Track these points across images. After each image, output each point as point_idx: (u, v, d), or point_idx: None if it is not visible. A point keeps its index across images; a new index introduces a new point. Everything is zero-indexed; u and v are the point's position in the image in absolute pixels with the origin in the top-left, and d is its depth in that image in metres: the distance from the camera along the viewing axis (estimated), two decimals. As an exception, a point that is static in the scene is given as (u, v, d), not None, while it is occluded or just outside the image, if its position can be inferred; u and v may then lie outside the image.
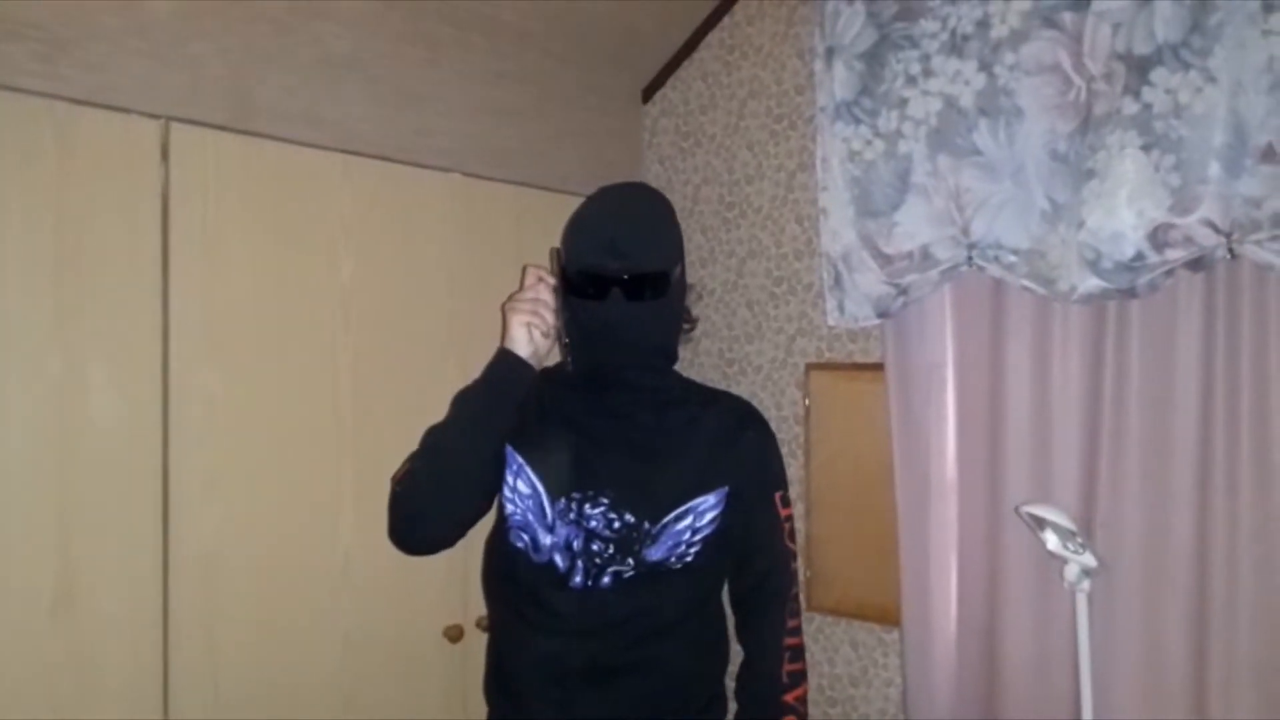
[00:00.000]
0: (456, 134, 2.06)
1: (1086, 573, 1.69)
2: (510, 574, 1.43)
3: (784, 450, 2.28)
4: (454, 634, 2.01)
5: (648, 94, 2.58)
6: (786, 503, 1.48)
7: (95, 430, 1.53)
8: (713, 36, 2.43)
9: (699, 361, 2.47)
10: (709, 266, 2.45)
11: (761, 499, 1.46)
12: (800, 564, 2.27)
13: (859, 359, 2.19)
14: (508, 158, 2.17)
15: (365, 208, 1.88)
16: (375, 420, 1.89)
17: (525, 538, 1.41)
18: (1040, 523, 1.70)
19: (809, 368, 2.26)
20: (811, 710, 2.26)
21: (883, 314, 2.02)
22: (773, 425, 2.30)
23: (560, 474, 1.40)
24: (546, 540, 1.38)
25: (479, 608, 2.05)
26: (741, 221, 2.39)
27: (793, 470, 2.30)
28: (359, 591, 1.87)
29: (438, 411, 2.04)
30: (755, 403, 2.34)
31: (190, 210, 1.63)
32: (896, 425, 2.05)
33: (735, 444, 1.45)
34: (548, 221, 2.23)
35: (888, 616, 2.11)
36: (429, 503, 1.40)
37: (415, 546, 1.47)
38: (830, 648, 2.25)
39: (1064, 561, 1.70)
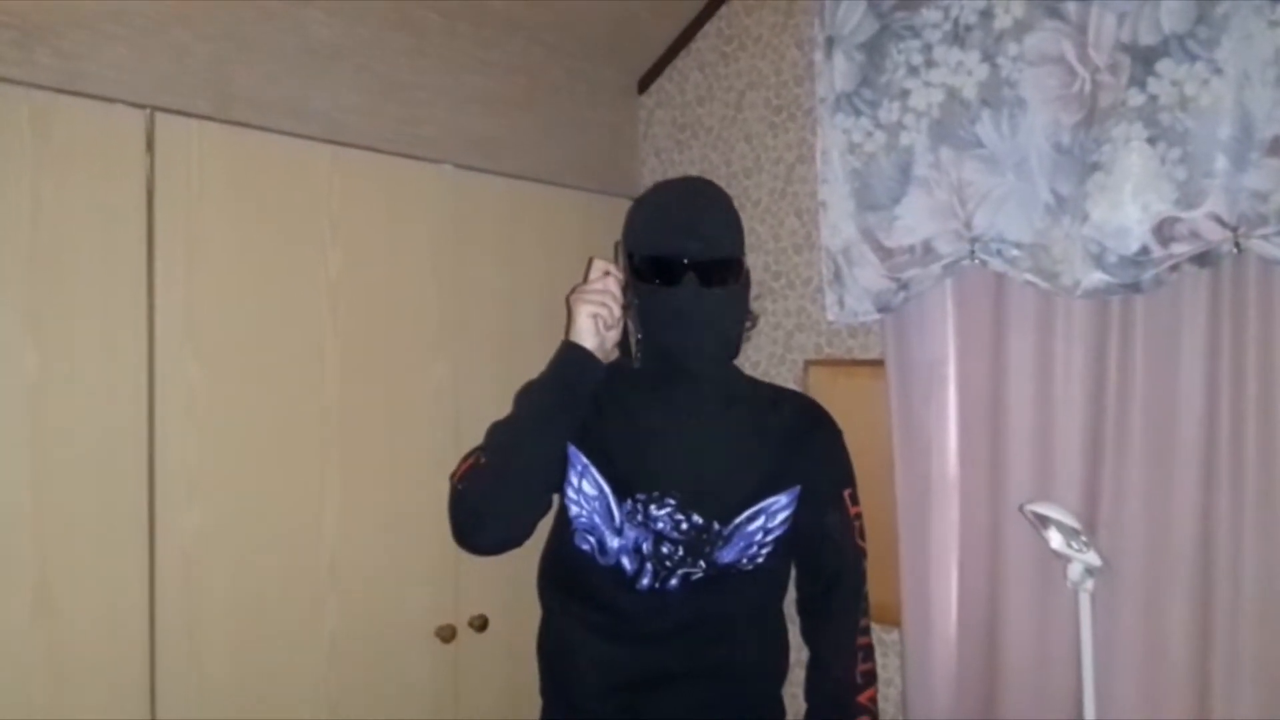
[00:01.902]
0: (443, 124, 2.03)
1: (1090, 572, 1.66)
2: (574, 578, 1.41)
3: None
4: (446, 634, 1.98)
5: (643, 85, 2.54)
6: (855, 500, 1.47)
7: (77, 427, 1.49)
8: (710, 26, 2.40)
9: (695, 357, 2.44)
10: (705, 260, 2.41)
11: (833, 498, 1.44)
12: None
13: (859, 355, 2.16)
14: (498, 149, 2.14)
15: (353, 199, 1.85)
16: (363, 415, 1.86)
17: (591, 540, 1.38)
18: (1044, 521, 1.68)
19: (808, 364, 2.23)
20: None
21: (883, 309, 1.99)
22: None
23: (626, 474, 1.37)
24: (614, 543, 1.35)
25: (472, 606, 2.02)
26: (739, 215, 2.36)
27: (790, 467, 2.27)
28: (346, 590, 1.83)
29: (426, 407, 2.01)
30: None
31: (175, 202, 1.59)
32: (897, 422, 2.03)
33: (807, 443, 1.44)
34: (540, 214, 2.21)
35: (887, 616, 2.08)
36: (500, 502, 1.36)
37: (484, 546, 1.44)
38: (828, 647, 2.22)
39: (1067, 560, 1.68)
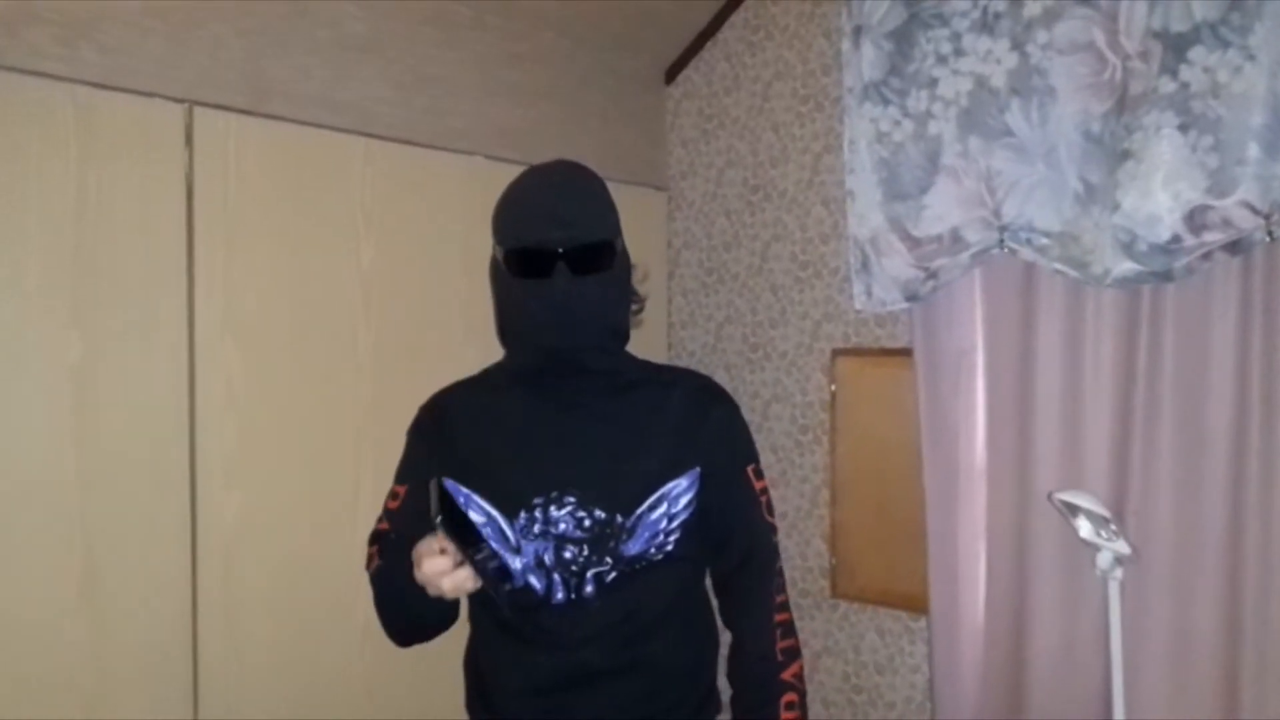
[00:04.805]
0: (473, 115, 2.05)
1: (1119, 561, 1.66)
2: (488, 605, 1.37)
3: (809, 437, 2.29)
4: (478, 619, 2.01)
5: (670, 75, 2.55)
6: (760, 475, 1.42)
7: (121, 414, 1.53)
8: (736, 16, 2.40)
9: (722, 347, 2.45)
10: (733, 250, 2.43)
11: (735, 475, 1.40)
12: (826, 550, 2.27)
13: (886, 344, 2.17)
14: (527, 140, 2.15)
15: (385, 191, 1.88)
16: (395, 403, 1.88)
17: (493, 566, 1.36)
18: (1073, 510, 1.68)
19: (835, 353, 2.24)
20: (837, 698, 2.26)
21: (911, 298, 2.00)
22: (798, 411, 2.32)
23: (514, 488, 1.34)
24: (516, 564, 1.32)
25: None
26: (766, 205, 2.37)
27: (818, 457, 2.28)
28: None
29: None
30: (780, 389, 2.35)
31: (213, 194, 1.63)
32: (924, 411, 2.03)
33: (702, 423, 1.39)
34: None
35: (915, 604, 2.10)
36: (406, 633, 1.43)
37: (412, 644, 1.47)
38: (856, 635, 2.24)
39: (1096, 549, 1.67)
